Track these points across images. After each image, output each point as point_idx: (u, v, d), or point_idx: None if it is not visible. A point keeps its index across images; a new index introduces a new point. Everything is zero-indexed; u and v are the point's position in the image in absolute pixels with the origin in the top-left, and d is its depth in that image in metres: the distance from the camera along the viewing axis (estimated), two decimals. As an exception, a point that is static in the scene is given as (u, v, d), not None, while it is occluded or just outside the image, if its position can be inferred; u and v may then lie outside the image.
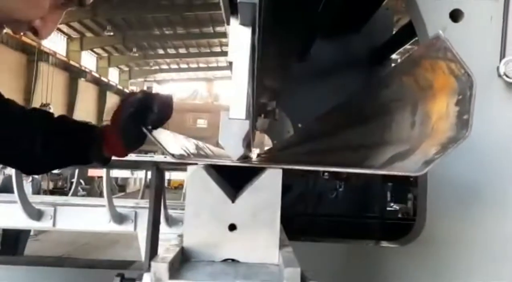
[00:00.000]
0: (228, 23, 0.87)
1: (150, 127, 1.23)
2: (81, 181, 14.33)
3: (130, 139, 1.33)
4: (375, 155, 1.28)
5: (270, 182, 0.86)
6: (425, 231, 1.86)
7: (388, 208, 5.89)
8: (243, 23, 0.83)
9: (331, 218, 3.24)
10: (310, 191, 3.93)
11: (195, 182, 0.86)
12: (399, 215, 5.88)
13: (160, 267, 0.71)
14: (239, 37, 0.84)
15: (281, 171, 0.86)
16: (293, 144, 4.73)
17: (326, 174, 4.20)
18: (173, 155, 0.98)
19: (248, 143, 1.24)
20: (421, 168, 0.87)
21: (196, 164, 0.89)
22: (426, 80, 1.00)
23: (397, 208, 7.17)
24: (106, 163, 1.42)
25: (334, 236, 2.54)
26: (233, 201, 0.86)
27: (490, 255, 1.85)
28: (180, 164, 1.12)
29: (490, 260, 1.85)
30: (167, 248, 0.83)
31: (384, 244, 1.98)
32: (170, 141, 1.30)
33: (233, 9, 0.80)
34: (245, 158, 1.14)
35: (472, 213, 1.84)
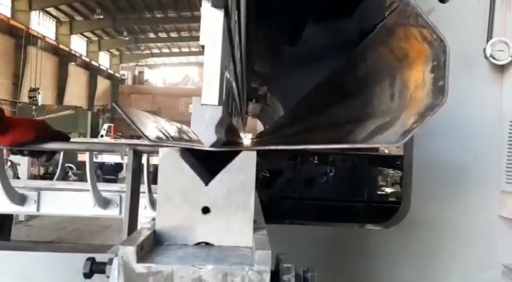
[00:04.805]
0: (200, 6, 0.84)
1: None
2: (73, 166, 14.24)
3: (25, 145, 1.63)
4: (358, 130, 1.27)
5: (244, 164, 0.84)
6: (409, 214, 1.86)
7: (380, 192, 5.93)
8: (214, 6, 0.81)
9: (318, 202, 3.24)
10: (300, 175, 3.92)
11: (167, 164, 0.84)
12: (390, 199, 5.92)
13: (128, 251, 0.69)
14: (210, 20, 0.81)
15: (255, 152, 0.84)
16: (282, 125, 4.71)
17: (315, 158, 4.20)
18: (147, 137, 0.95)
19: (229, 129, 1.21)
20: (399, 139, 0.85)
21: (169, 146, 0.87)
22: (401, 49, 0.98)
23: (389, 191, 7.24)
24: None
25: (321, 219, 2.54)
26: (206, 184, 0.83)
27: (473, 238, 1.85)
28: (157, 147, 1.09)
29: (474, 243, 1.86)
30: (138, 231, 0.81)
31: (369, 226, 1.98)
32: (148, 124, 1.27)
33: (204, -9, 0.78)
34: (225, 143, 1.11)
35: (456, 196, 1.84)
